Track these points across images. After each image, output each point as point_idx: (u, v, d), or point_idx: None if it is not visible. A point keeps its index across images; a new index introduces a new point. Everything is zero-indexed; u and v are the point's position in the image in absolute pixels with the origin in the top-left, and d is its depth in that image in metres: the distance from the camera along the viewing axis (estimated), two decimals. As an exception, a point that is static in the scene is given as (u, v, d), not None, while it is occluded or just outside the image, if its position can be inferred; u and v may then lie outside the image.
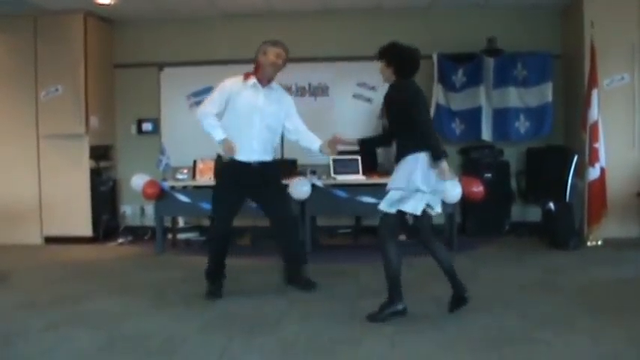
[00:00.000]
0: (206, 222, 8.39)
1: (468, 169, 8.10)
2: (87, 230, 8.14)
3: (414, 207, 4.46)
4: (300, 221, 6.87)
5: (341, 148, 5.40)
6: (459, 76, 8.10)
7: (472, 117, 8.09)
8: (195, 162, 7.53)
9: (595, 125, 7.18)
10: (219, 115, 5.22)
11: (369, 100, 8.30)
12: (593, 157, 7.19)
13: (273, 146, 5.41)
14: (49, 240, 8.17)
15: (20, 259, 7.19)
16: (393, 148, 4.83)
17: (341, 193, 7.04)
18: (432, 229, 4.73)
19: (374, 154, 7.94)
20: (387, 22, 8.35)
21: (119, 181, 8.83)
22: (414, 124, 4.39)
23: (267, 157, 5.30)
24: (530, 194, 8.20)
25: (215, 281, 5.35)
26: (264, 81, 5.24)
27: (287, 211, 5.51)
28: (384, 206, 4.53)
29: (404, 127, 4.50)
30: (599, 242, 7.20)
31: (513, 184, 8.38)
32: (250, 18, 8.50)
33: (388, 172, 7.42)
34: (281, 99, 5.37)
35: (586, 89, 7.34)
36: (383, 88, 4.85)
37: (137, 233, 8.52)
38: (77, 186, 8.11)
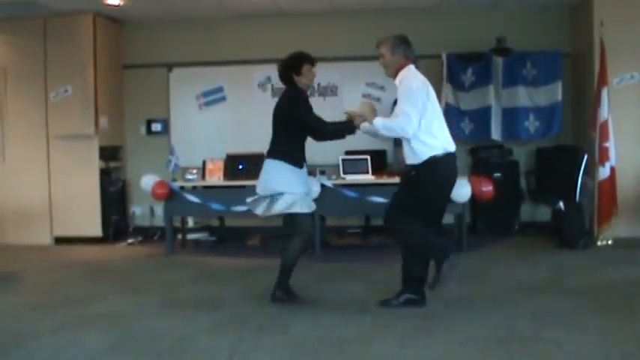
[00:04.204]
0: (215, 222, 8.42)
1: (477, 169, 8.08)
2: (97, 231, 8.17)
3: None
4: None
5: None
6: (469, 76, 8.09)
7: (481, 116, 8.06)
8: (204, 162, 7.54)
9: (605, 124, 7.15)
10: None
11: (378, 99, 8.27)
12: (603, 156, 7.16)
13: (413, 146, 4.64)
14: (59, 240, 8.21)
15: (30, 259, 7.23)
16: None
17: (350, 193, 7.03)
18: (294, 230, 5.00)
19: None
20: (395, 22, 8.33)
21: (129, 182, 8.86)
22: None
23: (407, 160, 4.78)
24: (539, 194, 8.17)
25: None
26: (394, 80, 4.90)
27: None
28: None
29: None
30: (610, 242, 7.17)
31: (523, 183, 8.36)
32: (258, 18, 8.52)
33: (398, 173, 7.44)
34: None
35: (596, 88, 7.31)
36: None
37: (147, 233, 8.55)
38: (87, 186, 8.14)
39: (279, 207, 4.89)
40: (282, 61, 5.04)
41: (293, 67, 4.96)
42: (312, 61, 5.01)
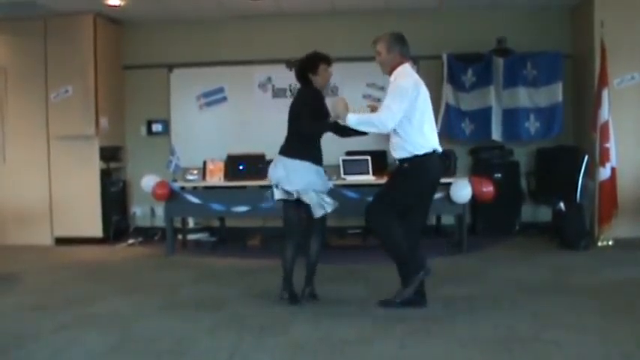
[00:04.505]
0: (216, 222, 8.42)
1: (478, 170, 8.08)
2: (97, 231, 8.17)
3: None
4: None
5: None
6: (469, 77, 8.09)
7: (482, 117, 8.06)
8: (205, 163, 7.53)
9: (605, 125, 7.16)
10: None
11: (378, 100, 8.21)
12: (604, 157, 7.16)
13: (404, 143, 4.69)
14: (60, 241, 8.21)
15: (31, 260, 7.22)
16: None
17: (351, 194, 7.02)
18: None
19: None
20: (396, 22, 8.29)
21: (129, 182, 8.86)
22: None
23: (395, 154, 4.84)
24: (540, 194, 8.17)
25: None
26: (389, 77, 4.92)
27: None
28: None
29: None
30: (610, 242, 7.17)
31: (523, 184, 8.35)
32: (259, 19, 8.52)
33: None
34: None
35: (596, 89, 7.31)
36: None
37: (147, 234, 8.54)
38: (87, 187, 8.14)
39: (332, 204, 5.14)
40: (298, 60, 5.09)
41: (309, 66, 5.00)
42: (328, 60, 5.05)
